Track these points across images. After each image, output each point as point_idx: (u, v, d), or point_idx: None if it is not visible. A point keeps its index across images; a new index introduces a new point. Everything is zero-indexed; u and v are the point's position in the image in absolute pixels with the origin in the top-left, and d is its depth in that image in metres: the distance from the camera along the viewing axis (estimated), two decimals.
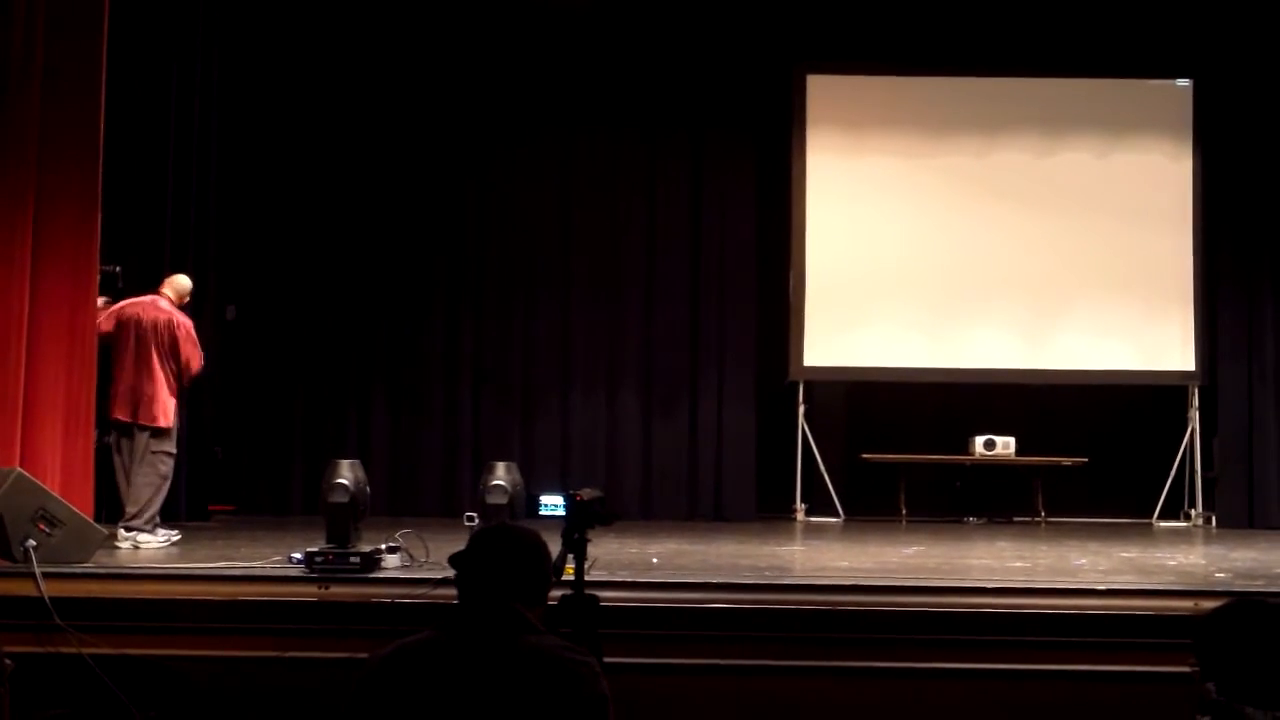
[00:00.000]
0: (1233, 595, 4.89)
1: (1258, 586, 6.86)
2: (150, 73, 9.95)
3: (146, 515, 8.16)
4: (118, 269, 8.81)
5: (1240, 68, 11.61)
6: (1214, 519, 11.48)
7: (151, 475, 8.25)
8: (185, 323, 8.47)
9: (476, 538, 3.22)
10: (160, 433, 8.30)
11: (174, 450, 8.46)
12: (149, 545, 8.04)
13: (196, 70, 10.30)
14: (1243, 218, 11.61)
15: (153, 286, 8.71)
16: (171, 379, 8.36)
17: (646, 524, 10.57)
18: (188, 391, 8.79)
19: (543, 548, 3.19)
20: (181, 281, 8.72)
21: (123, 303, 8.54)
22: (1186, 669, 2.89)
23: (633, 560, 7.62)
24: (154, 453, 8.27)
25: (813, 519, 11.54)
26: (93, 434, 8.25)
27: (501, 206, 11.74)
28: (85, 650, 5.78)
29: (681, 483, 11.61)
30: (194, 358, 8.43)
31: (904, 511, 11.61)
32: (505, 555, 3.11)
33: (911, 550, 8.77)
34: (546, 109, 11.70)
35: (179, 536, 8.42)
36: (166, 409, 8.32)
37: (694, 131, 11.81)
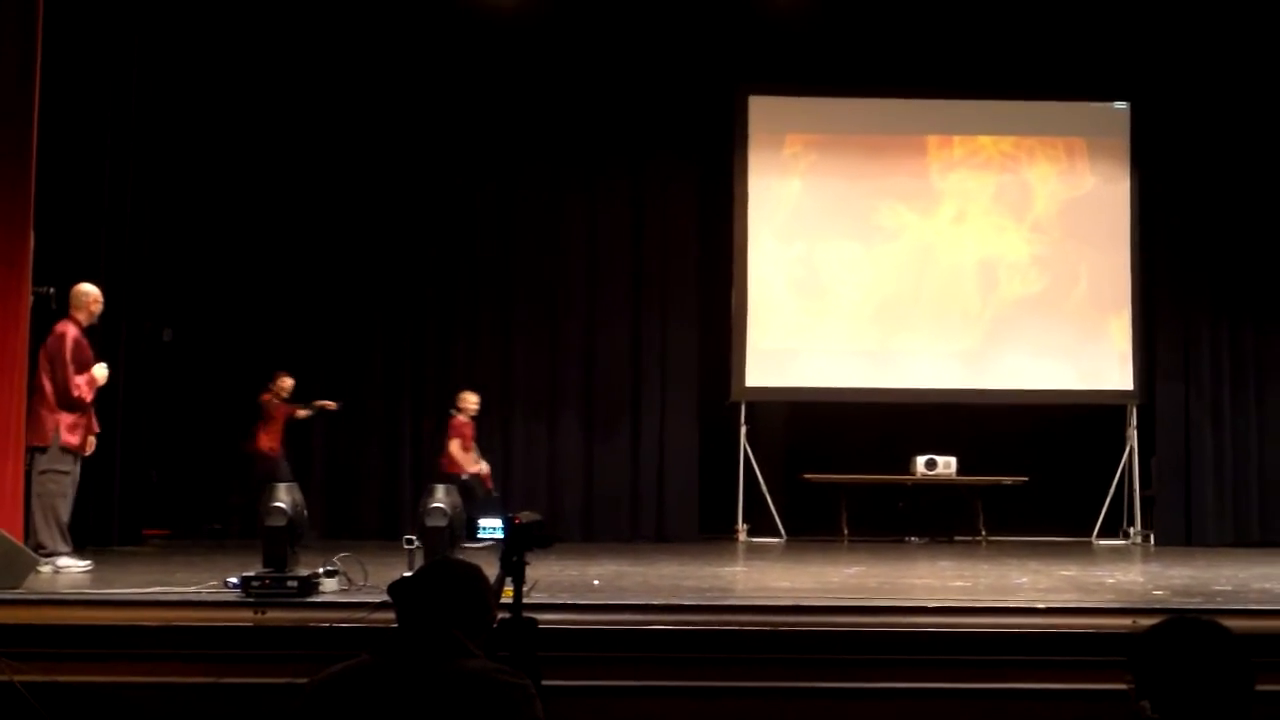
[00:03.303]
0: (1170, 613, 4.92)
1: (1194, 604, 6.90)
2: (85, 92, 9.81)
3: (47, 537, 7.94)
4: (51, 291, 8.65)
5: (1176, 91, 11.79)
6: (1152, 537, 11.60)
7: (43, 499, 8.03)
8: (65, 333, 8.20)
9: (418, 574, 3.23)
10: (45, 451, 8.08)
11: (65, 468, 8.17)
12: (69, 569, 7.88)
13: (131, 90, 10.19)
14: (1179, 238, 11.77)
15: None
16: (58, 393, 8.12)
17: (588, 546, 10.52)
18: (89, 405, 8.31)
19: (483, 580, 3.20)
20: (78, 292, 8.42)
21: None
22: (1124, 686, 2.89)
23: (574, 582, 7.58)
24: (40, 474, 8.07)
25: (755, 539, 11.55)
26: (23, 457, 8.10)
27: (440, 227, 11.69)
28: (17, 678, 5.66)
29: (623, 504, 11.59)
30: (60, 370, 8.11)
31: (846, 531, 11.64)
32: (445, 587, 3.10)
33: (853, 570, 8.79)
34: (488, 129, 11.67)
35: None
36: (49, 425, 8.08)
37: (636, 152, 11.83)
